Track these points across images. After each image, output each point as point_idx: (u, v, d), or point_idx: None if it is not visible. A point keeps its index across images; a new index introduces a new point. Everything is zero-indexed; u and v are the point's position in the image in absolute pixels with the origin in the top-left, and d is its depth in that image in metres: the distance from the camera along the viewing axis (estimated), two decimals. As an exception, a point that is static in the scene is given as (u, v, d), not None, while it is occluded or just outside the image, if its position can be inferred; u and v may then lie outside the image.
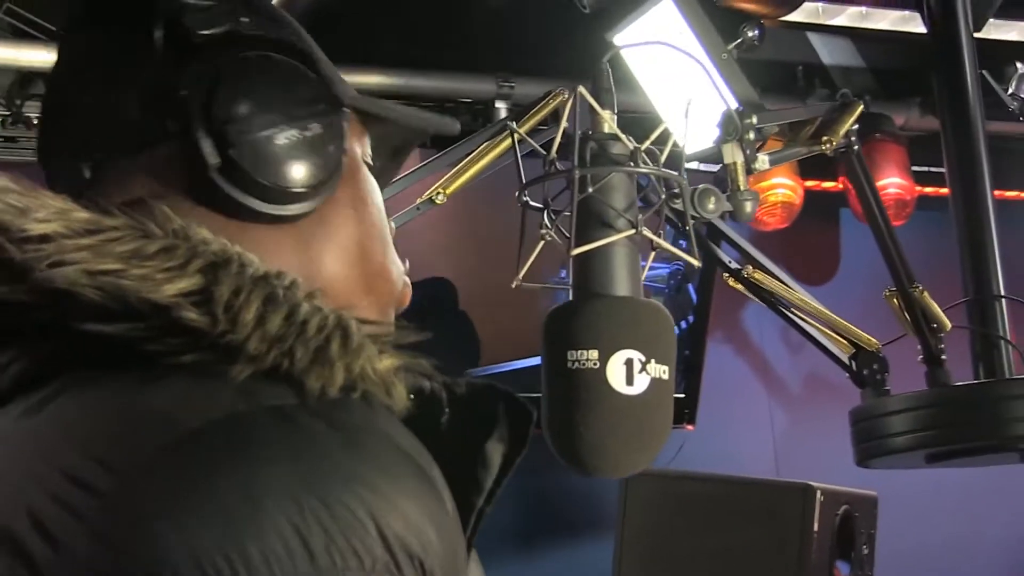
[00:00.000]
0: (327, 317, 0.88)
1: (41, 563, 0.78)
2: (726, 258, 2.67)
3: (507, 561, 3.70)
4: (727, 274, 2.69)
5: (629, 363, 1.35)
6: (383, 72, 3.39)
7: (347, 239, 1.02)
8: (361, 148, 1.07)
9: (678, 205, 1.48)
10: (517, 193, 1.44)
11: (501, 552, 3.69)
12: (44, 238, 0.87)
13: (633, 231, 1.38)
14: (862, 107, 2.00)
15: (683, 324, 3.68)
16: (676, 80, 1.95)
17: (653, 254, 1.45)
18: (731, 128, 1.61)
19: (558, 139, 1.43)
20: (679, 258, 1.43)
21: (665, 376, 1.37)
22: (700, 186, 1.51)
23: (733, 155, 1.58)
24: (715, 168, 3.57)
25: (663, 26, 1.89)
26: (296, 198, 0.97)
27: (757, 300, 2.75)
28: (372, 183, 1.08)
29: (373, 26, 3.28)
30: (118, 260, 0.86)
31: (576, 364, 1.35)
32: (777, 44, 3.72)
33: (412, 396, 0.91)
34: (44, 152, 1.03)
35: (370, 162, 1.09)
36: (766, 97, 3.45)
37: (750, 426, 4.02)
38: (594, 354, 1.35)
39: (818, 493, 2.95)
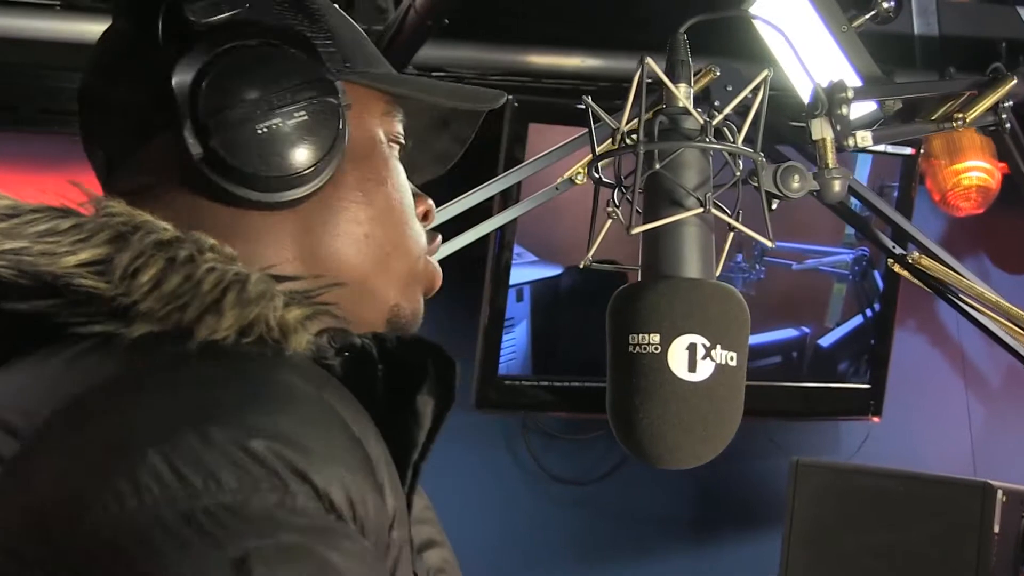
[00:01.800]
0: (226, 273, 0.90)
1: None
2: (889, 243, 2.55)
3: (676, 550, 3.64)
4: (891, 260, 2.56)
5: (692, 348, 1.29)
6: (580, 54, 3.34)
7: (353, 221, 1.03)
8: (384, 127, 1.07)
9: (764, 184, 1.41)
10: (587, 169, 1.39)
11: (670, 541, 3.64)
12: None
13: (701, 210, 1.31)
14: (1014, 82, 1.86)
15: (868, 312, 3.54)
16: (809, 53, 1.86)
17: (731, 235, 1.39)
18: (818, 103, 1.51)
19: (627, 112, 1.37)
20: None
21: (732, 363, 1.31)
22: (785, 163, 1.43)
23: (822, 131, 1.49)
24: (907, 151, 3.44)
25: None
26: (285, 185, 0.98)
27: (925, 288, 2.62)
28: (391, 163, 1.07)
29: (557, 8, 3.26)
30: (26, 239, 0.89)
31: (637, 348, 1.30)
32: (979, 18, 3.55)
33: (346, 352, 0.93)
34: (82, 138, 1.08)
35: (400, 141, 1.09)
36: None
37: (944, 421, 3.84)
38: (655, 338, 1.30)
39: (999, 493, 2.80)
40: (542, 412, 3.35)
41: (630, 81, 1.49)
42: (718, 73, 1.90)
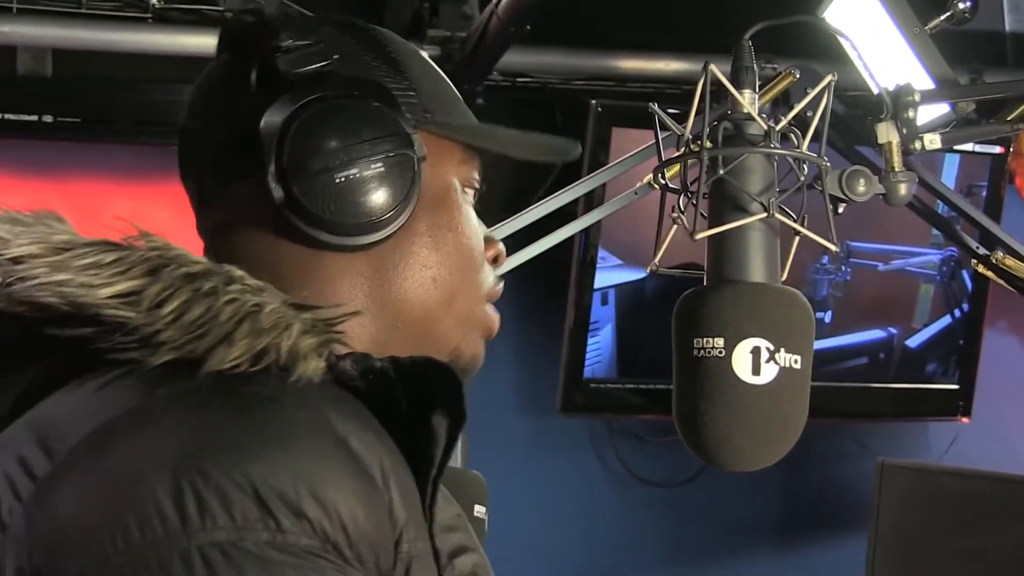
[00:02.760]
0: (244, 304, 0.95)
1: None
2: (973, 243, 2.53)
3: (762, 552, 3.63)
4: (974, 260, 2.54)
5: (756, 352, 1.30)
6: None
7: (421, 265, 1.09)
8: (459, 175, 1.13)
9: (828, 188, 1.42)
10: (652, 174, 1.41)
11: (757, 544, 3.63)
12: (17, 260, 0.97)
13: (764, 215, 1.33)
14: (1092, 81, 1.84)
15: (957, 313, 3.50)
16: (885, 55, 1.86)
17: (797, 239, 1.40)
18: (883, 107, 1.52)
19: (691, 119, 1.39)
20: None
21: (797, 366, 1.31)
22: (850, 168, 1.44)
23: (888, 135, 1.49)
24: (995, 150, 3.40)
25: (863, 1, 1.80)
26: (359, 231, 1.04)
27: (1011, 288, 2.59)
28: (463, 209, 1.13)
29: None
30: (72, 272, 0.95)
31: (701, 352, 1.32)
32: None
33: (371, 376, 0.99)
34: (180, 169, 1.14)
35: (476, 186, 1.15)
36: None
37: (1035, 422, 3.80)
38: (719, 342, 1.31)
39: (1089, 495, 2.77)
40: (628, 415, 3.36)
41: (688, 83, 1.51)
42: (797, 76, 1.90)
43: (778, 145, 1.36)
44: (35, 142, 3.10)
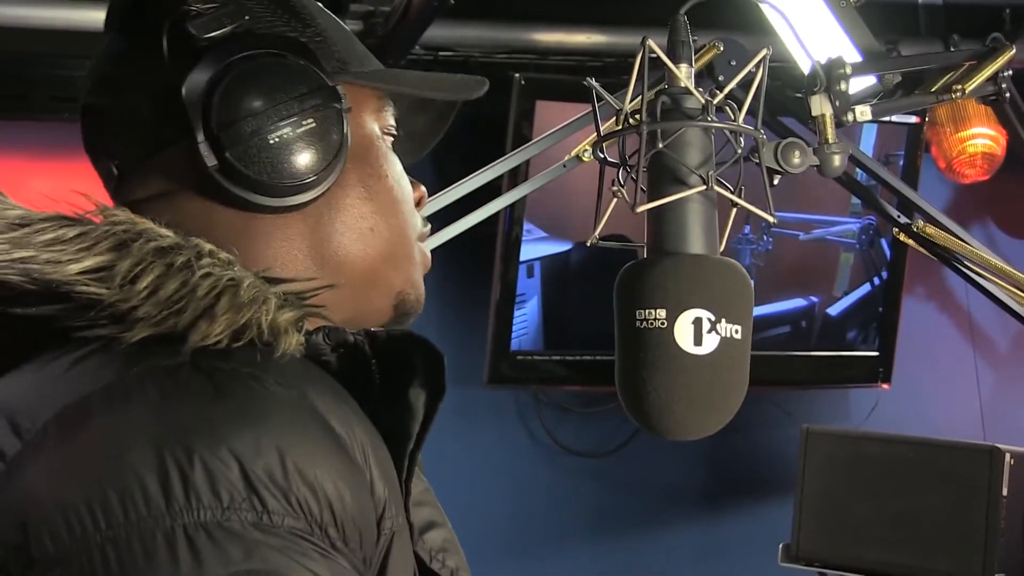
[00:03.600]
0: (221, 278, 0.94)
1: None
2: (895, 213, 2.57)
3: (690, 520, 3.68)
4: (896, 229, 2.59)
5: (698, 322, 1.32)
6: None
7: (358, 218, 1.09)
8: (379, 122, 1.12)
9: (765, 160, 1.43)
10: (592, 149, 1.42)
11: (684, 511, 3.68)
12: None
13: (704, 187, 1.34)
14: (1013, 51, 1.88)
15: (876, 280, 3.57)
16: (813, 28, 1.89)
17: (734, 211, 1.41)
18: (817, 79, 1.54)
19: (629, 93, 1.40)
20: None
21: (737, 336, 1.33)
22: (785, 140, 1.46)
23: (821, 107, 1.52)
24: (912, 120, 3.46)
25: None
26: (295, 190, 1.03)
27: (931, 256, 2.64)
28: (388, 157, 1.12)
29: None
30: (34, 248, 0.93)
31: (643, 323, 1.33)
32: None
33: (341, 349, 0.99)
34: (86, 148, 1.12)
35: (394, 132, 1.14)
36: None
37: (953, 387, 3.87)
38: (661, 313, 1.32)
39: (1007, 456, 2.83)
40: (555, 386, 3.38)
41: (635, 57, 1.52)
42: (721, 48, 1.92)
43: (715, 118, 1.37)
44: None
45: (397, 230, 1.11)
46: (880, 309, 3.57)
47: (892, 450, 2.95)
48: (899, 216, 2.55)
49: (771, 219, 1.38)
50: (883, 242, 3.53)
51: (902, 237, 2.61)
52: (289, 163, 1.01)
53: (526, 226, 3.17)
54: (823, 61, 1.57)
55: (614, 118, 1.45)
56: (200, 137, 1.00)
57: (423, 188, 1.18)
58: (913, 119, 3.42)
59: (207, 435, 0.85)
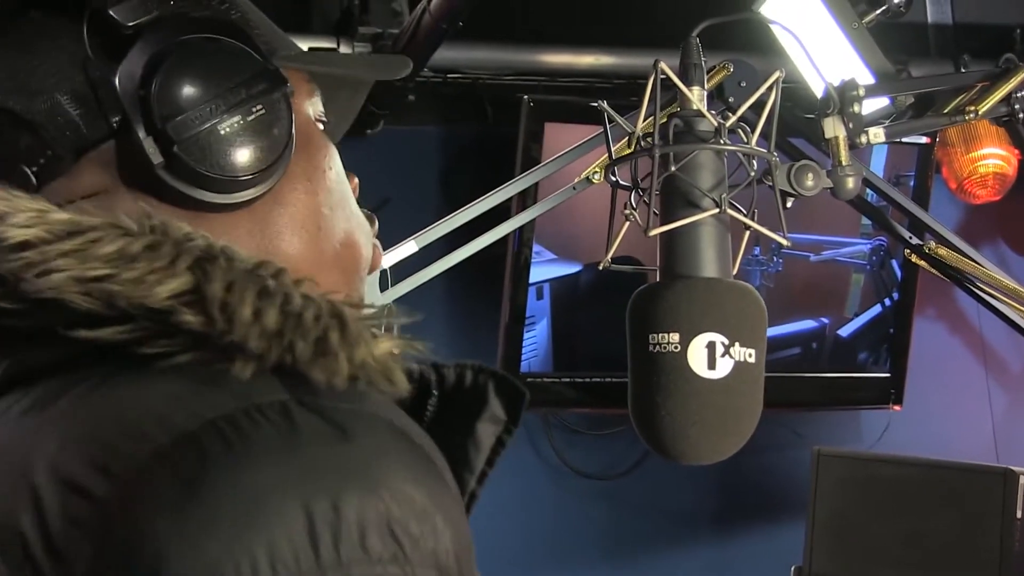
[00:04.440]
0: (321, 306, 0.86)
1: (46, 572, 0.77)
2: (906, 234, 2.56)
3: (701, 542, 3.66)
4: (908, 250, 2.58)
5: (711, 346, 1.32)
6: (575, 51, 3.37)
7: (304, 213, 0.99)
8: (313, 109, 1.04)
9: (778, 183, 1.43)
10: (603, 172, 1.42)
11: (695, 534, 3.66)
12: (25, 244, 0.86)
13: (716, 211, 1.34)
14: (1025, 73, 1.88)
15: (887, 301, 3.55)
16: (824, 50, 1.88)
17: (748, 234, 1.41)
18: (830, 102, 1.53)
19: (641, 115, 1.40)
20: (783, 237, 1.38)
21: (751, 359, 1.33)
22: (798, 162, 1.46)
23: (834, 129, 1.51)
24: (922, 140, 3.45)
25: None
26: (245, 185, 0.94)
27: (943, 277, 2.63)
28: (327, 148, 1.03)
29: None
30: (105, 264, 0.84)
31: (657, 347, 1.33)
32: (993, 5, 3.56)
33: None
34: None
35: (324, 119, 1.05)
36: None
37: (965, 408, 3.86)
38: (675, 337, 1.32)
39: (1021, 478, 2.82)
40: (564, 408, 3.37)
41: (645, 78, 1.50)
42: (731, 69, 1.91)
43: (728, 141, 1.37)
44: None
45: (347, 224, 1.02)
46: (891, 330, 3.55)
47: (904, 472, 2.94)
48: (910, 237, 2.54)
49: (785, 242, 1.38)
50: (894, 263, 3.52)
51: (913, 258, 2.60)
52: (241, 154, 0.93)
53: (535, 248, 3.16)
54: (836, 83, 1.56)
55: (625, 140, 1.45)
56: (142, 132, 0.91)
57: (356, 179, 1.07)
58: (924, 139, 3.41)
59: (345, 487, 0.78)
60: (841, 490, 2.96)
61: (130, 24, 0.93)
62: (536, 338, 3.23)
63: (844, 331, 3.53)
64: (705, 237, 1.36)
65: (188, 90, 0.92)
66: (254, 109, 0.94)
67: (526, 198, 2.66)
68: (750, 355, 1.33)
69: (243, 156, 0.93)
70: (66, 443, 0.81)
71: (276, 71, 0.96)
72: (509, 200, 2.29)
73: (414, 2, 2.92)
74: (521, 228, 3.14)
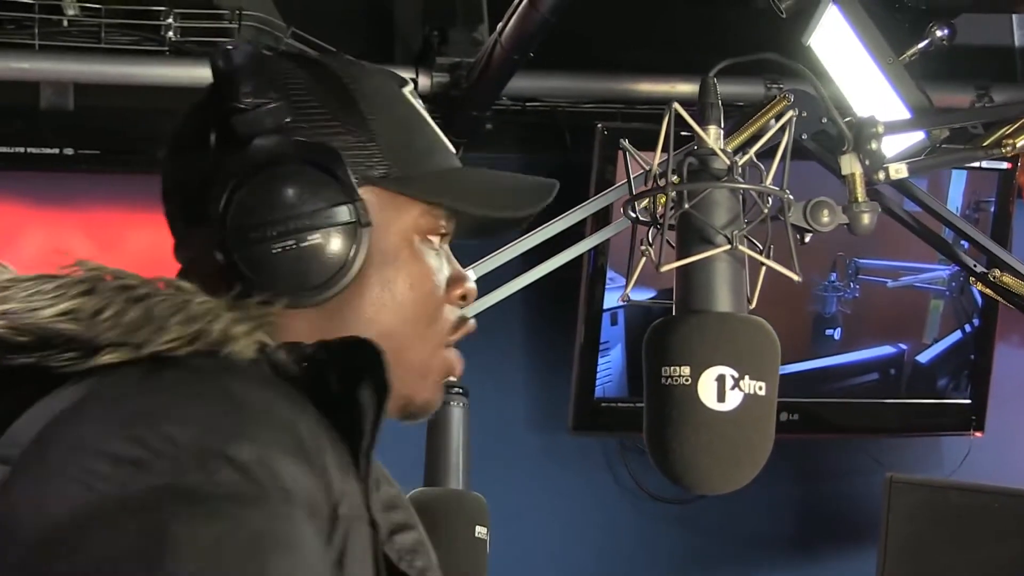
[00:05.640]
0: (176, 299, 1.01)
1: None
2: (970, 262, 2.55)
3: (775, 567, 3.66)
4: (972, 278, 2.57)
5: (721, 379, 1.35)
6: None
7: (373, 320, 1.12)
8: (420, 226, 1.14)
9: (790, 218, 1.46)
10: (623, 207, 1.46)
11: (770, 558, 3.66)
12: None
13: (728, 247, 1.37)
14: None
15: (967, 327, 3.53)
16: (865, 78, 1.90)
17: (764, 269, 1.44)
18: (844, 140, 1.56)
19: (657, 154, 1.44)
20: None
21: (761, 392, 1.36)
22: (814, 199, 1.49)
23: (850, 167, 1.54)
24: (1003, 165, 3.42)
25: (838, 29, 1.85)
26: (298, 296, 1.08)
27: (1009, 305, 2.61)
28: (418, 263, 1.14)
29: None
30: (17, 301, 1.01)
31: (669, 380, 1.37)
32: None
33: (304, 363, 1.03)
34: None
35: (443, 232, 1.16)
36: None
37: (1050, 435, 3.81)
38: (686, 370, 1.36)
39: (1100, 508, 2.79)
40: (640, 433, 3.39)
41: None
42: (791, 99, 1.94)
43: (742, 179, 1.41)
44: (56, 174, 3.18)
45: (412, 336, 1.14)
46: (972, 356, 3.53)
47: (978, 500, 2.92)
48: (975, 265, 2.53)
49: (796, 278, 1.40)
50: (974, 289, 3.49)
51: (979, 286, 2.59)
52: (292, 273, 1.06)
53: (609, 274, 3.20)
54: (853, 120, 1.59)
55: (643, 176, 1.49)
56: (216, 235, 1.06)
57: (471, 285, 1.19)
58: (1005, 165, 3.39)
59: (169, 422, 0.91)
60: (914, 518, 2.95)
61: (246, 134, 1.07)
62: (611, 363, 3.27)
63: (923, 357, 3.51)
64: (718, 272, 1.39)
65: (257, 208, 1.06)
66: (310, 237, 1.07)
67: (599, 223, 2.70)
68: (760, 388, 1.35)
69: (293, 274, 1.07)
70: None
71: (352, 204, 1.08)
72: (584, 225, 2.31)
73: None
74: (595, 255, 3.19)
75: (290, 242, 1.06)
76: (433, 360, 1.16)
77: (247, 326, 1.01)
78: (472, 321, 1.21)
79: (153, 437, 0.90)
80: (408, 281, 1.13)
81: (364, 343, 1.03)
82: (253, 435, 0.93)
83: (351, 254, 1.08)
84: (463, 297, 1.19)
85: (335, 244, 1.07)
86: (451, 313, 1.18)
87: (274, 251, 1.06)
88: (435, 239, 1.16)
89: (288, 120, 1.08)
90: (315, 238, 1.07)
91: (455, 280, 1.18)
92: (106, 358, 0.97)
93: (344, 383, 1.02)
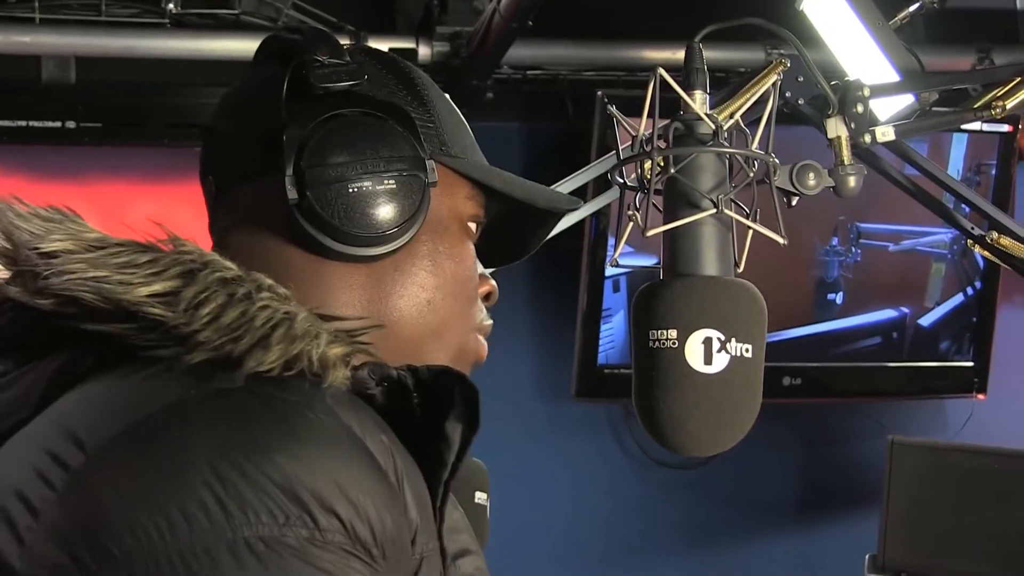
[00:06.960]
0: (277, 311, 1.00)
1: (22, 529, 0.92)
2: (968, 225, 2.56)
3: (781, 530, 3.68)
4: (971, 240, 2.57)
5: (708, 342, 1.35)
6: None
7: (418, 287, 1.13)
8: (466, 208, 1.18)
9: (777, 182, 1.47)
10: (609, 173, 1.47)
11: (775, 522, 3.68)
12: (51, 254, 1.01)
13: (713, 211, 1.38)
14: (1062, 66, 1.88)
15: (969, 290, 3.54)
16: (856, 42, 1.91)
17: (750, 233, 1.45)
18: (829, 104, 1.56)
19: (643, 120, 1.44)
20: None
21: (748, 354, 1.36)
22: (800, 162, 1.49)
23: (836, 130, 1.54)
24: (1004, 128, 3.42)
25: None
26: (367, 242, 1.09)
27: (1008, 267, 2.62)
28: (465, 242, 1.18)
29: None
30: (109, 269, 0.99)
31: (656, 343, 1.37)
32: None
33: (385, 384, 1.04)
34: (199, 166, 1.20)
35: (480, 221, 1.20)
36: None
37: (1052, 396, 3.82)
38: (673, 333, 1.36)
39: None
40: (644, 399, 3.41)
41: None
42: (788, 64, 1.94)
43: (726, 143, 1.41)
44: (59, 147, 3.20)
45: (453, 311, 1.16)
46: (974, 319, 3.54)
47: (979, 462, 2.94)
48: (972, 228, 2.53)
49: (782, 241, 1.41)
50: (975, 252, 3.49)
51: (977, 248, 2.59)
52: (363, 214, 1.07)
53: (611, 241, 3.21)
54: (839, 83, 1.60)
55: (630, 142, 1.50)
56: (288, 171, 1.06)
57: (494, 284, 1.22)
58: (1005, 127, 3.39)
59: (259, 457, 0.91)
60: (917, 479, 2.97)
61: (322, 87, 1.09)
62: (613, 330, 3.28)
63: (925, 320, 3.52)
64: (704, 237, 1.40)
65: (335, 150, 1.07)
66: (385, 181, 1.08)
67: (600, 190, 2.71)
68: (747, 350, 1.36)
69: (366, 216, 1.08)
70: (57, 425, 0.98)
71: (421, 159, 1.10)
72: (585, 192, 2.32)
73: (494, -1, 2.98)
74: (597, 221, 3.20)
75: (365, 183, 1.07)
76: (468, 341, 1.19)
77: (342, 348, 1.01)
78: (490, 322, 1.24)
79: (264, 479, 0.90)
80: (457, 257, 1.16)
81: (457, 375, 1.05)
82: (351, 487, 0.93)
83: (418, 207, 1.10)
84: (488, 295, 1.23)
85: (405, 193, 1.09)
86: (480, 305, 1.21)
87: (350, 189, 1.07)
88: (473, 226, 1.19)
89: (364, 78, 1.11)
90: (389, 183, 1.08)
91: (481, 275, 1.22)
92: (199, 356, 0.96)
93: (429, 412, 1.04)
